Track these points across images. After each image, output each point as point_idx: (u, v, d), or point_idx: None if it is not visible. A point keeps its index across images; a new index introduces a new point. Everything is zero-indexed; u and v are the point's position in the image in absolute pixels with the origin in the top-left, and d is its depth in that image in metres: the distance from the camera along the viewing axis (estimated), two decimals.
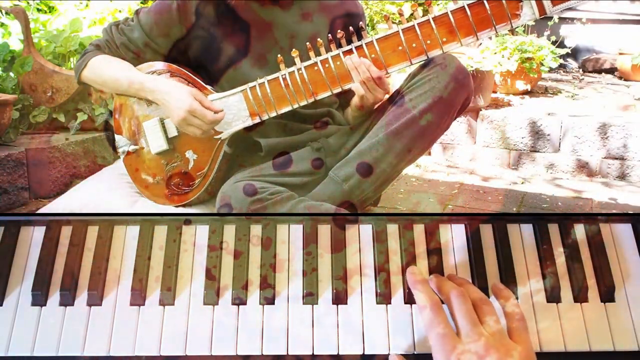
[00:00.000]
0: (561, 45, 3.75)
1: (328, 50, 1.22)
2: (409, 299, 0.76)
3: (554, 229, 0.81)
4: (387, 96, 1.33)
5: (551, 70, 3.78)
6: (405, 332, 0.74)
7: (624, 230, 0.82)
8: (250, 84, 1.26)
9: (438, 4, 3.35)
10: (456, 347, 0.63)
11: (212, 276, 0.76)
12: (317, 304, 0.75)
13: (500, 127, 2.95)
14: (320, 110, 1.40)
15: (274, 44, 1.35)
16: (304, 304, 0.75)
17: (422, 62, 1.23)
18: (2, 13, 2.68)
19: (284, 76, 1.24)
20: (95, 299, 0.75)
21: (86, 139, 2.30)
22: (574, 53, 4.47)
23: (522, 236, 0.81)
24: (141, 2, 3.10)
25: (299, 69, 1.23)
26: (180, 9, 1.33)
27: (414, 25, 1.17)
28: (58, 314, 0.75)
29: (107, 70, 1.37)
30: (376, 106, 1.36)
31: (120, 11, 2.93)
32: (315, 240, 0.79)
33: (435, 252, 0.78)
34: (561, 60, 3.65)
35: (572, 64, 4.79)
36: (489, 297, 0.76)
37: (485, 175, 2.76)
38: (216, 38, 1.35)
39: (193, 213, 1.22)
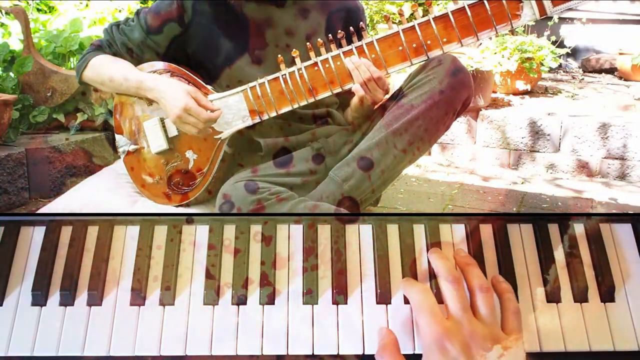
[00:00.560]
0: (561, 45, 3.75)
1: (328, 50, 1.22)
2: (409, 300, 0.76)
3: (554, 229, 0.81)
4: (387, 96, 1.33)
5: (551, 70, 3.79)
6: (405, 332, 0.74)
7: (624, 230, 0.82)
8: (250, 84, 1.26)
9: (438, 4, 3.35)
10: (446, 331, 0.63)
11: (212, 276, 0.76)
12: (317, 303, 0.75)
13: (500, 127, 2.95)
14: (320, 110, 1.40)
15: (272, 42, 1.35)
16: (304, 303, 0.75)
17: (423, 62, 1.23)
18: (2, 13, 2.68)
19: (284, 76, 1.24)
20: (95, 299, 0.75)
21: (86, 139, 2.30)
22: (574, 53, 4.47)
23: (522, 236, 0.81)
24: (141, 2, 3.10)
25: (299, 69, 1.23)
26: (180, 8, 1.33)
27: (414, 26, 1.17)
28: (58, 314, 0.75)
29: (108, 70, 1.37)
30: (376, 106, 1.36)
31: (120, 11, 2.93)
32: (315, 240, 0.79)
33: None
34: (561, 60, 3.66)
35: (572, 64, 4.79)
36: None
37: (485, 175, 2.76)
38: (215, 37, 1.35)
39: (193, 213, 1.22)
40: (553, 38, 3.61)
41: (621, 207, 2.27)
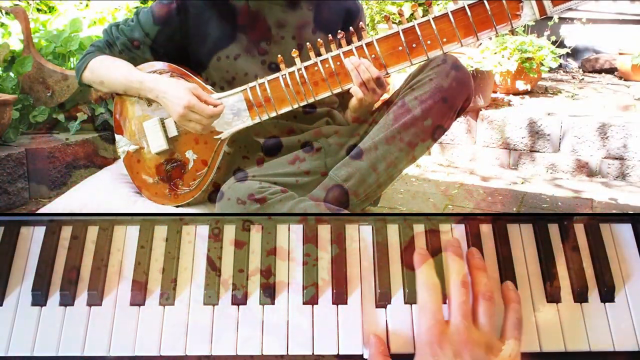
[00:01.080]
0: (561, 45, 3.75)
1: (328, 50, 1.22)
2: (409, 299, 0.76)
3: (554, 229, 0.81)
4: (386, 96, 1.33)
5: (551, 70, 3.78)
6: (406, 332, 0.74)
7: (624, 230, 0.82)
8: (250, 84, 1.26)
9: (438, 4, 3.35)
10: (442, 335, 0.63)
11: (212, 276, 0.76)
12: (317, 304, 0.75)
13: (500, 127, 2.95)
14: (320, 110, 1.40)
15: (272, 41, 1.35)
16: (304, 304, 0.75)
17: (423, 62, 1.23)
18: (2, 13, 2.68)
19: (284, 76, 1.24)
20: (95, 299, 0.75)
21: (86, 139, 2.30)
22: (574, 53, 4.47)
23: (522, 236, 0.81)
24: (141, 2, 3.10)
25: (299, 69, 1.23)
26: (179, 8, 1.33)
27: (414, 26, 1.17)
28: (58, 314, 0.75)
29: (108, 71, 1.37)
30: (376, 106, 1.36)
31: (119, 10, 2.93)
32: (315, 240, 0.79)
33: (435, 252, 0.78)
34: (561, 60, 3.66)
35: (572, 64, 4.79)
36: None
37: (485, 175, 2.76)
38: (215, 37, 1.35)
39: (193, 213, 1.22)
40: (553, 38, 3.61)
41: (621, 207, 2.27)
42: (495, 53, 3.27)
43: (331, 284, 0.76)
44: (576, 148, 2.81)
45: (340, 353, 0.73)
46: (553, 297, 0.76)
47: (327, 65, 1.22)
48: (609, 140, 2.75)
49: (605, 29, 4.64)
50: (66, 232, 0.79)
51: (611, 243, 0.81)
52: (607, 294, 0.77)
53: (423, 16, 1.18)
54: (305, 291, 0.76)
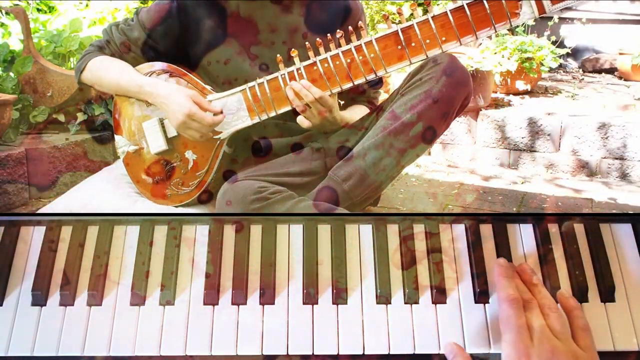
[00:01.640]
0: (561, 45, 3.75)
1: (327, 49, 1.22)
2: (409, 299, 0.76)
3: (554, 229, 0.81)
4: (386, 95, 1.33)
5: (551, 70, 3.78)
6: (405, 332, 0.74)
7: (624, 230, 0.82)
8: (250, 84, 1.26)
9: (438, 4, 3.35)
10: (528, 350, 0.64)
11: (212, 276, 0.76)
12: (317, 304, 0.75)
13: (500, 127, 2.95)
14: None
15: (272, 41, 1.35)
16: (304, 304, 0.75)
17: (422, 61, 1.23)
18: (2, 13, 2.68)
19: (283, 76, 1.24)
20: (95, 299, 0.75)
21: (86, 139, 2.30)
22: (574, 53, 4.47)
23: (522, 236, 0.81)
24: (141, 2, 3.10)
25: (297, 69, 1.23)
26: (179, 8, 1.33)
27: (413, 25, 1.17)
28: (58, 314, 0.75)
29: (107, 72, 1.37)
30: (380, 103, 1.35)
31: (119, 10, 2.93)
32: (315, 240, 0.79)
33: (435, 252, 0.78)
34: (561, 60, 3.65)
35: (572, 64, 4.79)
36: (489, 298, 0.76)
37: (485, 175, 2.76)
38: (214, 37, 1.35)
39: (193, 213, 1.22)
40: (553, 38, 3.61)
41: (621, 207, 2.27)
42: (495, 53, 3.27)
43: (331, 284, 0.76)
44: (576, 148, 2.81)
45: (340, 353, 0.73)
46: (553, 297, 0.76)
47: (326, 65, 1.22)
48: (609, 140, 2.75)
49: (605, 29, 4.64)
50: (66, 232, 0.79)
51: (611, 243, 0.81)
52: (607, 294, 0.77)
53: (422, 15, 1.18)
54: (305, 291, 0.76)
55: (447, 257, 0.79)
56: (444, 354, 0.71)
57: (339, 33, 1.22)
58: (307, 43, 1.23)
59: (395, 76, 2.87)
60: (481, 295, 0.76)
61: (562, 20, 4.35)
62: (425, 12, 1.17)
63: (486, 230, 0.81)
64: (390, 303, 0.76)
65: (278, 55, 1.25)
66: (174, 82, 1.32)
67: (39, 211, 1.46)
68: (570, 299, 0.73)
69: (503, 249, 0.79)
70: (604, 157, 2.76)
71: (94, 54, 1.41)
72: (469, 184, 2.56)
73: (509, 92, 3.44)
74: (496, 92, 3.43)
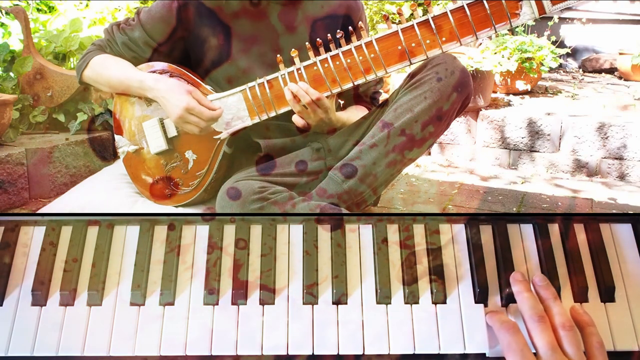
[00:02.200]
0: (561, 45, 3.75)
1: (327, 50, 1.22)
2: (409, 299, 0.76)
3: (554, 229, 0.81)
4: (386, 95, 1.33)
5: (551, 70, 3.79)
6: (405, 332, 0.74)
7: (624, 230, 0.82)
8: (250, 84, 1.26)
9: (438, 4, 3.36)
10: None
11: (212, 276, 0.76)
12: (317, 304, 0.75)
13: (500, 127, 2.95)
14: None
15: (272, 41, 1.35)
16: (304, 304, 0.75)
17: (422, 61, 1.23)
18: (2, 13, 2.68)
19: (283, 76, 1.24)
20: (95, 299, 0.75)
21: (86, 139, 2.30)
22: (574, 53, 4.48)
23: (522, 236, 0.81)
24: (141, 2, 3.10)
25: (297, 69, 1.23)
26: (180, 8, 1.33)
27: (413, 25, 1.17)
28: (58, 314, 0.75)
29: (108, 70, 1.37)
30: (379, 103, 1.35)
31: (119, 10, 2.93)
32: (315, 240, 0.79)
33: (435, 252, 0.78)
34: (561, 60, 3.65)
35: (572, 64, 4.79)
36: (488, 298, 0.76)
37: (485, 175, 2.76)
38: (215, 36, 1.35)
39: (193, 213, 1.22)
40: (553, 38, 3.61)
41: (621, 207, 2.27)
42: (495, 53, 3.28)
43: (331, 284, 0.76)
44: (576, 148, 2.81)
45: (340, 353, 0.73)
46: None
47: (326, 65, 1.22)
48: (608, 140, 2.75)
49: (605, 29, 4.64)
50: (66, 232, 0.79)
51: (611, 243, 0.81)
52: (607, 294, 0.77)
53: (422, 16, 1.18)
54: (305, 291, 0.76)
55: (447, 257, 0.79)
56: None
57: (339, 33, 1.22)
58: (307, 43, 1.23)
59: (395, 76, 2.87)
60: (481, 295, 0.76)
61: (562, 20, 4.35)
62: (425, 12, 1.17)
63: (486, 230, 0.81)
64: (390, 303, 0.76)
65: (278, 55, 1.25)
66: (175, 80, 1.32)
67: (39, 211, 1.46)
68: (584, 314, 0.71)
69: (503, 249, 0.79)
70: (604, 157, 2.76)
71: (95, 53, 1.41)
72: (469, 184, 2.56)
73: (509, 92, 3.44)
74: (496, 92, 3.43)
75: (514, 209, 2.19)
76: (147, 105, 1.36)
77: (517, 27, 3.68)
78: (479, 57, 3.01)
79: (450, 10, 1.15)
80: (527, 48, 3.29)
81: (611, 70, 4.49)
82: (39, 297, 0.75)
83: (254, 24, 1.35)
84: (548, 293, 0.72)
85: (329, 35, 1.22)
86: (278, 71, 1.25)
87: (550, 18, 3.82)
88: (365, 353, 0.73)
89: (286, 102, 1.25)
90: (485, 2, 1.12)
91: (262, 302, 0.75)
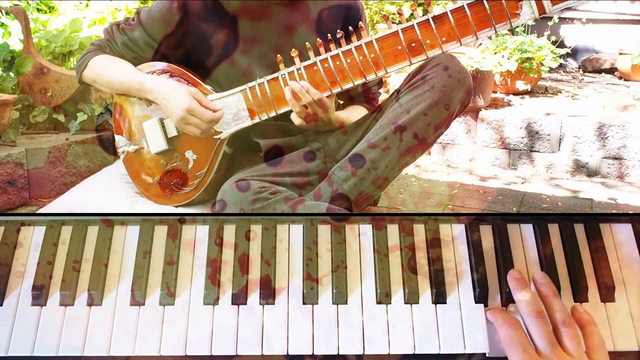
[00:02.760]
0: (561, 45, 3.75)
1: (327, 49, 1.22)
2: (409, 299, 0.76)
3: (554, 229, 0.81)
4: (386, 95, 1.33)
5: (551, 70, 3.79)
6: (406, 332, 0.74)
7: (624, 230, 0.82)
8: (250, 84, 1.26)
9: (438, 4, 3.36)
10: None
11: (212, 276, 0.76)
12: (317, 304, 0.75)
13: (499, 127, 2.95)
14: None
15: (271, 41, 1.35)
16: (304, 304, 0.75)
17: (422, 61, 1.23)
18: (2, 13, 2.68)
19: (283, 76, 1.24)
20: (95, 299, 0.75)
21: (86, 139, 2.30)
22: (574, 53, 4.48)
23: (522, 236, 0.81)
24: (141, 2, 3.10)
25: (298, 69, 1.23)
26: (180, 8, 1.33)
27: (413, 25, 1.17)
28: (58, 314, 0.75)
29: (108, 70, 1.37)
30: (378, 104, 1.36)
31: (119, 10, 2.93)
32: (315, 240, 0.79)
33: (435, 252, 0.78)
34: (561, 60, 3.65)
35: (572, 64, 4.79)
36: (489, 298, 0.76)
37: (484, 175, 2.76)
38: (215, 36, 1.35)
39: (193, 213, 1.22)
40: (553, 38, 3.61)
41: (621, 207, 2.27)
42: (495, 53, 3.28)
43: (331, 284, 0.76)
44: (576, 148, 2.81)
45: (340, 353, 0.73)
46: None
47: (326, 65, 1.22)
48: (608, 140, 2.75)
49: (605, 29, 4.64)
50: (66, 232, 0.79)
51: (611, 243, 0.81)
52: (607, 294, 0.77)
53: (422, 16, 1.18)
54: (305, 291, 0.76)
55: (447, 257, 0.79)
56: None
57: (340, 33, 1.22)
58: (307, 43, 1.23)
59: (395, 76, 2.87)
60: (481, 295, 0.76)
61: (562, 20, 4.35)
62: (425, 12, 1.17)
63: (486, 230, 0.81)
64: (390, 303, 0.76)
65: (278, 55, 1.25)
66: (175, 81, 1.32)
67: (39, 211, 1.46)
68: (585, 313, 0.71)
69: (503, 249, 0.79)
70: (604, 158, 2.76)
71: (95, 53, 1.41)
72: (469, 184, 2.56)
73: (509, 92, 3.44)
74: (496, 92, 3.43)
75: (514, 209, 2.19)
76: (147, 105, 1.36)
77: (517, 27, 3.68)
78: (479, 57, 3.01)
79: (450, 10, 1.15)
80: (527, 48, 3.29)
81: (611, 70, 4.49)
82: (39, 297, 0.75)
83: (255, 23, 1.35)
84: (548, 290, 0.72)
85: (329, 35, 1.22)
86: (278, 71, 1.25)
87: (550, 18, 3.82)
88: (365, 353, 0.73)
89: (286, 102, 1.25)
90: (485, 2, 1.12)
91: (262, 302, 0.75)
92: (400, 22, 1.19)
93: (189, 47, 1.38)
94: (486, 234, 0.80)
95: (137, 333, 0.73)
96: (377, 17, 3.62)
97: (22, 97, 2.32)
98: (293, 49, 1.24)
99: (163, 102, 1.29)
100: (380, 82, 1.53)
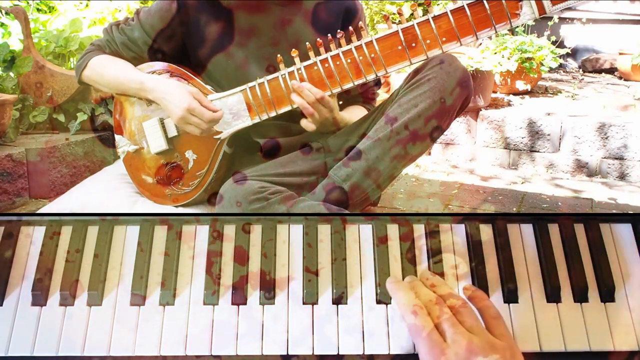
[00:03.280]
0: (561, 45, 3.75)
1: (327, 49, 1.22)
2: None
3: (554, 229, 0.81)
4: (386, 95, 1.33)
5: (551, 70, 3.79)
6: (405, 332, 0.74)
7: (624, 230, 0.82)
8: (250, 84, 1.26)
9: (438, 4, 3.36)
10: (444, 351, 0.63)
11: (212, 276, 0.76)
12: (317, 304, 0.75)
13: (500, 127, 2.95)
14: None
15: (271, 41, 1.35)
16: (304, 304, 0.75)
17: (422, 61, 1.23)
18: (2, 13, 2.68)
19: (283, 76, 1.24)
20: (95, 299, 0.75)
21: (86, 139, 2.30)
22: (574, 53, 4.48)
23: (522, 236, 0.81)
24: (141, 2, 3.10)
25: (298, 69, 1.23)
26: (180, 8, 1.33)
27: (413, 25, 1.17)
28: (58, 314, 0.75)
29: (108, 70, 1.37)
30: (377, 105, 1.36)
31: (119, 10, 2.93)
32: (315, 240, 0.79)
33: (435, 252, 0.78)
34: (561, 60, 3.65)
35: (572, 64, 4.79)
36: (489, 296, 0.76)
37: (485, 175, 2.76)
38: (214, 37, 1.35)
39: (193, 213, 1.22)
40: (553, 38, 3.61)
41: (621, 207, 2.27)
42: (495, 53, 3.28)
43: (331, 284, 0.76)
44: (576, 148, 2.81)
45: (340, 353, 0.73)
46: (553, 297, 0.77)
47: (326, 65, 1.22)
48: (608, 140, 2.75)
49: (605, 29, 4.64)
50: (66, 232, 0.79)
51: (611, 243, 0.81)
52: (607, 294, 0.77)
53: (422, 16, 1.18)
54: (305, 291, 0.76)
55: (447, 257, 0.79)
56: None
57: (340, 33, 1.22)
58: (307, 43, 1.23)
59: (396, 76, 2.87)
60: None
61: (562, 20, 4.35)
62: (426, 12, 1.17)
63: (486, 230, 0.81)
64: (390, 303, 0.76)
65: (278, 55, 1.25)
66: (175, 81, 1.32)
67: (39, 211, 1.46)
68: (476, 290, 0.72)
69: (503, 249, 0.79)
70: (604, 157, 2.76)
71: (94, 53, 1.41)
72: (469, 184, 2.56)
73: (509, 92, 3.44)
74: (496, 92, 3.43)
75: (514, 209, 2.19)
76: (147, 104, 1.36)
77: (517, 27, 3.68)
78: (479, 57, 3.01)
79: (450, 11, 1.15)
80: (527, 48, 3.29)
81: (611, 70, 4.49)
82: (39, 297, 0.75)
83: (255, 23, 1.35)
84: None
85: (329, 35, 1.22)
86: (277, 69, 1.25)
87: (550, 18, 3.82)
88: (365, 353, 0.73)
89: (287, 102, 1.25)
90: (485, 2, 1.12)
91: (262, 302, 0.75)
92: (400, 22, 1.19)
93: (189, 46, 1.38)
94: (486, 234, 0.80)
95: (137, 333, 0.73)
96: (377, 17, 3.62)
97: (22, 97, 2.32)
98: (293, 49, 1.24)
99: (163, 101, 1.29)
100: (379, 82, 1.53)
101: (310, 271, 0.76)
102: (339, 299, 0.75)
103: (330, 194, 1.23)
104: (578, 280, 0.77)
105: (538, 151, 2.88)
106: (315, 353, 0.72)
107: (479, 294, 0.71)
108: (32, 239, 0.79)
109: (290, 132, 1.38)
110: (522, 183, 2.62)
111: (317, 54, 1.23)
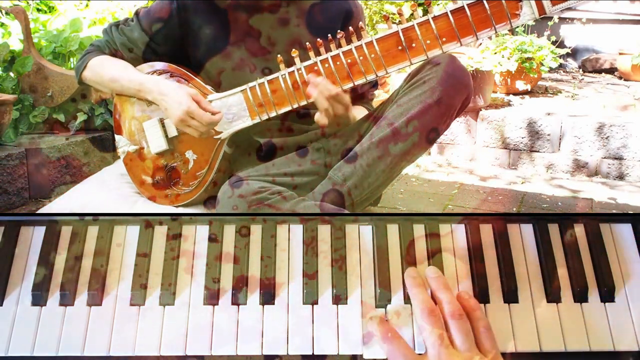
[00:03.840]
0: (561, 45, 3.75)
1: (328, 50, 1.22)
2: (409, 299, 0.75)
3: (554, 229, 0.81)
4: (386, 95, 1.33)
5: (551, 70, 3.79)
6: (405, 332, 0.74)
7: (624, 230, 0.82)
8: (250, 84, 1.26)
9: (438, 4, 3.36)
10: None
11: (212, 276, 0.76)
12: (317, 304, 0.75)
13: (499, 127, 2.95)
14: None
15: (271, 41, 1.35)
16: (304, 304, 0.75)
17: (422, 61, 1.23)
18: (2, 13, 2.68)
19: (283, 76, 1.24)
20: (95, 299, 0.75)
21: (86, 139, 2.31)
22: (574, 53, 4.48)
23: (522, 236, 0.81)
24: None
25: (298, 69, 1.23)
26: (179, 8, 1.33)
27: (413, 25, 1.17)
28: (58, 314, 0.75)
29: (107, 71, 1.37)
30: (376, 105, 1.36)
31: (122, 9, 2.93)
32: (315, 240, 0.79)
33: (435, 252, 0.78)
34: (561, 60, 3.66)
35: (572, 64, 4.79)
36: (489, 298, 0.76)
37: (485, 175, 2.76)
38: (214, 37, 1.35)
39: (193, 213, 1.22)
40: (553, 38, 3.61)
41: (621, 207, 2.28)
42: (495, 53, 3.28)
43: (331, 284, 0.76)
44: (576, 148, 2.81)
45: (340, 353, 0.73)
46: (553, 297, 0.76)
47: (326, 65, 1.22)
48: (608, 140, 2.75)
49: (605, 29, 4.64)
50: (66, 232, 0.79)
51: (611, 243, 0.81)
52: (607, 294, 0.77)
53: (422, 16, 1.18)
54: (305, 291, 0.76)
55: (446, 257, 0.79)
56: None
57: (340, 33, 1.22)
58: (307, 43, 1.23)
59: (395, 76, 2.87)
60: (481, 295, 0.76)
61: (562, 20, 4.35)
62: (426, 12, 1.17)
63: (486, 230, 0.81)
64: (390, 303, 0.76)
65: (279, 55, 1.25)
66: (175, 82, 1.32)
67: (39, 211, 1.46)
68: (470, 299, 0.71)
69: (503, 249, 0.79)
70: (604, 157, 2.76)
71: (94, 54, 1.41)
72: (469, 184, 2.56)
73: (509, 92, 3.44)
74: (496, 92, 3.44)
75: (514, 209, 2.20)
76: (147, 105, 1.36)
77: (517, 27, 3.68)
78: (479, 57, 3.01)
79: (450, 11, 1.15)
80: (527, 48, 3.29)
81: (611, 70, 4.49)
82: (39, 297, 0.75)
83: (255, 25, 1.35)
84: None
85: (329, 35, 1.22)
86: (278, 71, 1.25)
87: (550, 18, 3.82)
88: (365, 354, 0.73)
89: (286, 102, 1.25)
90: (485, 2, 1.12)
91: (262, 302, 0.75)
92: (400, 22, 1.19)
93: (188, 47, 1.38)
94: (486, 234, 0.80)
95: (137, 333, 0.73)
96: (377, 17, 3.62)
97: (22, 97, 2.33)
98: (293, 49, 1.24)
99: (162, 103, 1.29)
100: (376, 83, 1.53)
101: (310, 271, 0.76)
102: (338, 299, 0.75)
103: (330, 195, 1.23)
104: (578, 280, 0.77)
105: (538, 151, 2.88)
106: (315, 353, 0.72)
107: (472, 303, 0.71)
108: (32, 239, 0.79)
109: (291, 132, 1.38)
110: (522, 183, 2.63)
111: (317, 54, 1.23)
